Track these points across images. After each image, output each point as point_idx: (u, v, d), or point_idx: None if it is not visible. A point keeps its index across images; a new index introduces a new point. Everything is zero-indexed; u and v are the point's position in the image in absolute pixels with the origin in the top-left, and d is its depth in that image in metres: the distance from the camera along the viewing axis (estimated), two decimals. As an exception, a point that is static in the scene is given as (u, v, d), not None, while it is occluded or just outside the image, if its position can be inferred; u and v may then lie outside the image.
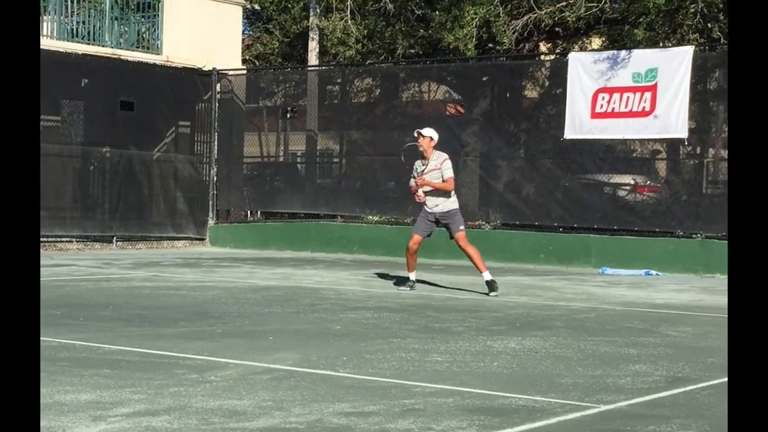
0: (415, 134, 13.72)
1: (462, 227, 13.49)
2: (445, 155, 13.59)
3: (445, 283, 15.16)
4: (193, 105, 23.37)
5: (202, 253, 21.20)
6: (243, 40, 28.70)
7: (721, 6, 19.62)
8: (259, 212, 24.23)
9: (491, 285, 13.40)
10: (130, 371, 7.31)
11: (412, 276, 13.94)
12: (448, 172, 13.39)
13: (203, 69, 22.87)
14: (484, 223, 20.28)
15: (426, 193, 13.47)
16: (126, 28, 23.35)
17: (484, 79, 21.50)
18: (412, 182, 13.67)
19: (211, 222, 22.93)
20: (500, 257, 19.19)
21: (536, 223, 19.56)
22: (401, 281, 14.45)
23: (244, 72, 24.80)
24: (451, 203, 13.50)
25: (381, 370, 7.65)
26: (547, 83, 21.93)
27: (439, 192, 13.42)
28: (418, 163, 13.67)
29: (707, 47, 19.26)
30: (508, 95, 21.58)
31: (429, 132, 13.64)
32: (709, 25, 19.82)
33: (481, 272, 13.53)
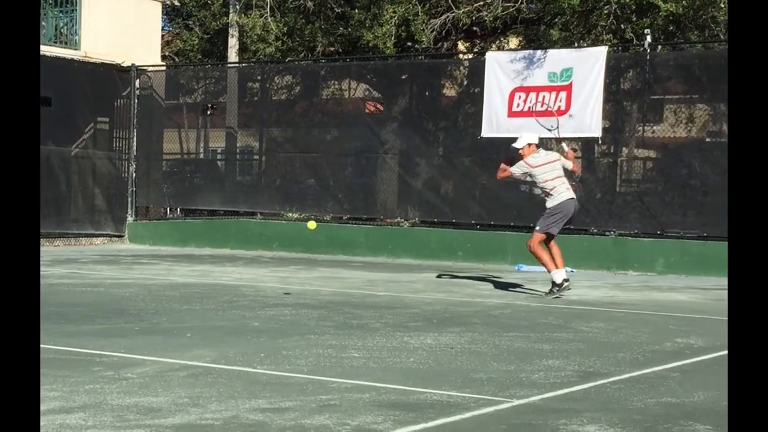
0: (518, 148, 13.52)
1: (538, 227, 13.14)
2: (524, 157, 13.31)
3: (363, 281, 15.25)
4: (112, 101, 23.19)
5: (120, 250, 21.07)
6: (162, 36, 28.49)
7: (633, 8, 19.92)
8: (178, 209, 24.12)
9: (554, 286, 13.16)
10: (45, 369, 7.28)
11: (557, 275, 13.16)
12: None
13: (122, 65, 22.71)
14: (402, 220, 20.41)
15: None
16: (43, 23, 23.08)
17: (404, 77, 21.61)
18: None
19: (130, 219, 22.79)
20: (418, 254, 19.35)
21: (454, 221, 19.72)
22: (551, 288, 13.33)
23: (164, 68, 24.66)
24: (549, 201, 13.20)
25: (298, 367, 7.71)
26: (465, 82, 22.11)
27: (545, 192, 13.23)
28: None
29: (620, 48, 19.57)
30: (426, 93, 21.71)
31: (519, 144, 13.47)
32: (622, 26, 20.10)
33: (548, 271, 13.19)
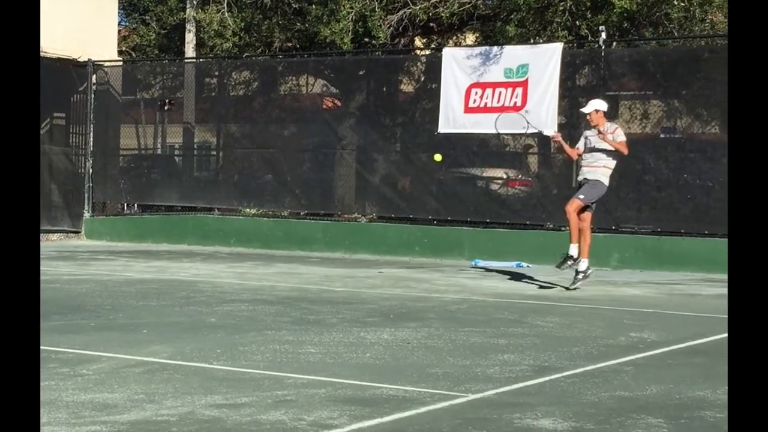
0: (585, 113, 13.83)
1: (582, 196, 13.40)
2: (615, 124, 13.77)
3: (320, 277, 15.27)
4: (68, 96, 23.06)
5: (77, 246, 20.96)
6: (119, 31, 28.33)
7: (588, 5, 20.05)
8: (135, 205, 24.03)
9: (569, 260, 13.55)
10: (1, 366, 7.28)
11: (573, 250, 13.54)
12: (621, 137, 13.46)
13: (78, 60, 22.60)
14: (360, 215, 20.44)
15: (585, 165, 13.54)
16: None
17: (361, 73, 21.63)
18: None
19: (86, 215, 22.68)
20: (376, 250, 19.38)
21: (411, 216, 19.78)
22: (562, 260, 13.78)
23: (120, 63, 24.57)
24: (598, 174, 13.49)
25: (254, 362, 7.73)
26: (422, 78, 22.16)
27: (597, 163, 13.47)
28: (589, 132, 13.70)
29: (575, 44, 19.68)
30: (384, 89, 21.73)
31: (590, 107, 13.68)
32: (577, 22, 20.22)
33: (571, 242, 13.59)
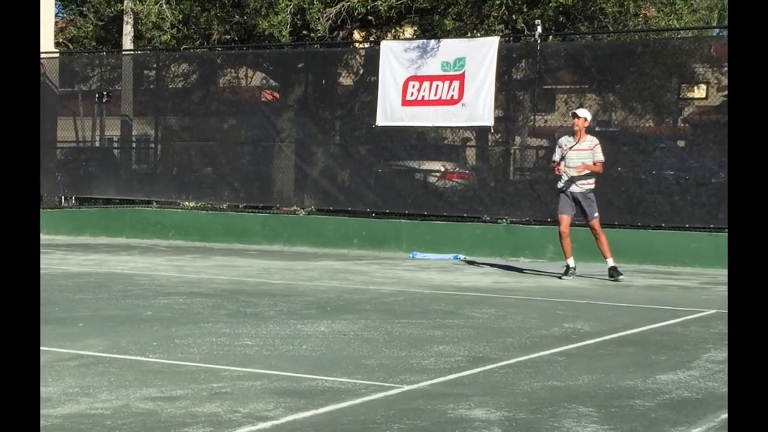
0: (571, 115, 14.46)
1: (597, 214, 14.20)
2: (596, 140, 14.18)
3: (259, 269, 15.28)
4: (3, 89, 22.82)
5: (12, 239, 20.75)
6: (56, 22, 28.08)
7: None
8: (73, 198, 23.86)
9: (614, 271, 14.20)
10: (-65, 360, 7.24)
11: (571, 262, 14.37)
12: (599, 156, 14.06)
13: (14, 52, 22.38)
14: (298, 208, 20.45)
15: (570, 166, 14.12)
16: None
17: (300, 66, 21.63)
18: (557, 157, 14.23)
19: (22, 208, 22.45)
20: (315, 242, 19.41)
21: (350, 209, 19.83)
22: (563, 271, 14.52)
23: (58, 55, 24.37)
24: (589, 185, 14.20)
25: (190, 355, 7.75)
26: (361, 71, 22.19)
27: (581, 174, 14.10)
28: (565, 139, 14.24)
29: (512, 38, 19.80)
30: (323, 82, 21.75)
31: (584, 113, 14.25)
32: (513, 16, 20.34)
33: (605, 258, 14.31)
